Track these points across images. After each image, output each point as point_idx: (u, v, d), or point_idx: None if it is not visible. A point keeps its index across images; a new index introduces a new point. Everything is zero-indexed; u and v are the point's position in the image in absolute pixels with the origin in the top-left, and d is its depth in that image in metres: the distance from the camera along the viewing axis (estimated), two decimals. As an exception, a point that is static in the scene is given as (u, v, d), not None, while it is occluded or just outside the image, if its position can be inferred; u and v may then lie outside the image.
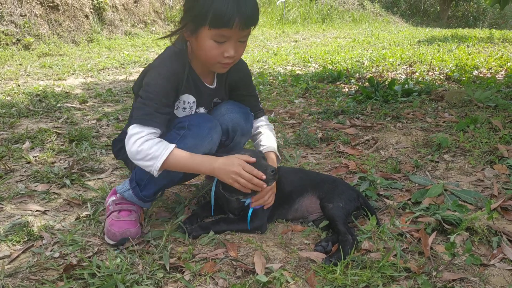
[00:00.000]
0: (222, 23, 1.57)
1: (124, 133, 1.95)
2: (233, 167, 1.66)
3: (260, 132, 2.06)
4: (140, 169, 1.76)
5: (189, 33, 1.69)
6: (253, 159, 1.71)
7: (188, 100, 1.86)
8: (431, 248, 1.69)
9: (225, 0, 1.54)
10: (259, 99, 2.12)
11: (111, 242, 1.73)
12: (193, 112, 1.90)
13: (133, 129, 1.67)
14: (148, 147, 1.63)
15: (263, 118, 2.11)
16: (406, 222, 1.90)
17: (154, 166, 1.65)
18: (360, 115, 3.77)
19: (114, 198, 1.90)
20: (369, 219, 1.79)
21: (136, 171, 1.84)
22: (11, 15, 7.72)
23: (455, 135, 3.10)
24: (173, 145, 1.67)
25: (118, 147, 2.03)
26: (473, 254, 1.60)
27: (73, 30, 8.89)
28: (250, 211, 1.84)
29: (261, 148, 1.99)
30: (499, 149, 2.68)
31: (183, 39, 1.77)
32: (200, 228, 1.84)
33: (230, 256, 1.67)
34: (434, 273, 1.51)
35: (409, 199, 2.15)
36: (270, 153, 1.96)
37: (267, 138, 2.03)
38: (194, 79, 1.84)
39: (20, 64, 6.68)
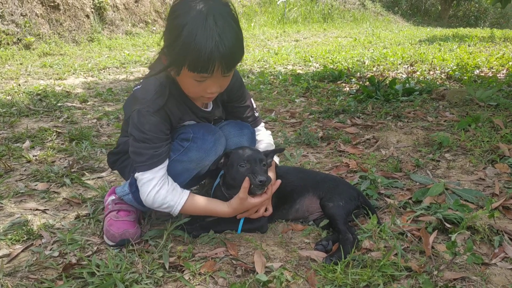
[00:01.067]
0: (201, 68, 1.49)
1: (119, 145, 1.96)
2: (245, 208, 1.77)
3: (256, 140, 2.07)
4: None
5: (170, 69, 1.61)
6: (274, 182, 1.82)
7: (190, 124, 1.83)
8: (432, 247, 1.68)
9: (203, 42, 1.43)
10: (254, 106, 2.08)
11: (111, 243, 1.73)
12: None
13: (141, 176, 1.66)
14: (163, 197, 1.67)
15: (259, 127, 2.10)
16: (407, 221, 1.89)
17: (172, 213, 1.73)
18: (361, 114, 3.76)
19: (113, 197, 1.89)
20: (369, 218, 1.78)
21: None
22: (12, 15, 7.72)
23: (456, 134, 3.09)
24: (187, 193, 1.72)
25: (112, 159, 2.01)
26: (474, 253, 1.59)
27: (74, 30, 8.89)
28: (240, 224, 1.86)
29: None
30: (500, 148, 2.67)
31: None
32: (200, 227, 1.83)
33: (230, 255, 1.67)
34: (435, 272, 1.50)
35: (410, 198, 2.14)
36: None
37: (265, 145, 2.04)
38: (190, 107, 1.78)
39: (20, 64, 6.68)
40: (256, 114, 2.08)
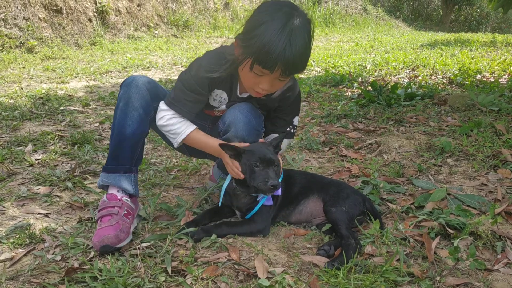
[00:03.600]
0: (265, 64, 1.63)
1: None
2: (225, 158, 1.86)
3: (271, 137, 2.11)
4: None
5: (238, 52, 1.75)
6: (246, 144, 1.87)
7: (220, 95, 1.97)
8: (435, 253, 1.68)
9: (274, 44, 1.58)
10: (295, 124, 2.12)
11: (97, 253, 1.71)
12: (223, 106, 2.02)
13: (162, 105, 1.91)
14: (172, 123, 1.89)
15: (285, 139, 2.10)
16: (409, 226, 1.88)
17: (175, 140, 1.92)
18: (362, 119, 3.77)
19: (99, 204, 1.92)
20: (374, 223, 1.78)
21: None
22: (15, 19, 7.74)
23: (458, 139, 3.09)
24: (193, 127, 1.91)
25: None
26: (477, 259, 1.59)
27: (76, 34, 8.91)
28: (257, 206, 1.86)
29: None
30: (502, 153, 2.66)
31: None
32: (202, 231, 1.83)
33: (232, 260, 1.66)
34: (438, 278, 1.50)
35: (412, 203, 2.14)
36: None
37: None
38: (233, 84, 1.94)
39: (23, 67, 6.70)
40: (287, 129, 2.11)
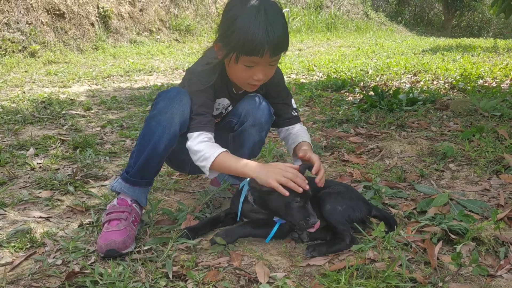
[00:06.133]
0: (252, 51, 1.66)
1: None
2: (279, 166, 1.71)
3: (290, 133, 2.09)
4: (130, 158, 1.88)
5: (221, 54, 1.77)
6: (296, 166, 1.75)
7: (223, 102, 2.00)
8: (437, 258, 1.67)
9: (255, 30, 1.62)
10: (294, 107, 2.12)
11: (102, 255, 1.71)
12: (230, 108, 2.05)
13: (190, 134, 1.85)
14: (201, 147, 1.79)
15: (297, 125, 2.10)
16: (412, 231, 1.88)
17: (205, 168, 1.79)
18: (364, 124, 3.76)
19: (107, 208, 1.90)
20: (386, 232, 1.76)
21: (128, 162, 1.91)
22: (18, 23, 7.78)
23: (460, 144, 3.08)
24: (221, 150, 1.78)
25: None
26: (479, 264, 1.58)
27: (79, 38, 8.94)
28: (275, 228, 1.80)
29: (292, 143, 2.04)
30: (505, 159, 2.66)
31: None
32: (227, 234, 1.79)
33: (234, 264, 1.66)
34: (440, 284, 1.49)
35: (415, 209, 2.13)
36: (302, 143, 1.99)
37: (298, 134, 2.05)
38: (228, 86, 1.96)
39: (25, 71, 6.72)
40: (293, 114, 2.11)
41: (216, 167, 1.78)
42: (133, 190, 1.89)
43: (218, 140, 1.89)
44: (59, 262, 1.67)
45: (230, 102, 2.01)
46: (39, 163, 2.79)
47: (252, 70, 1.75)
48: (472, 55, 9.87)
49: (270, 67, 1.79)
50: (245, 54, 1.68)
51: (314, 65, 8.09)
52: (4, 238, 1.84)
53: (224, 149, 1.79)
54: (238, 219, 1.90)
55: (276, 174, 1.66)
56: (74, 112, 4.26)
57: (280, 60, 1.84)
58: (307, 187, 1.66)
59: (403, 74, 6.90)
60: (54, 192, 2.35)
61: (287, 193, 1.63)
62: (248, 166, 1.73)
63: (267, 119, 2.00)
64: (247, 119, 1.97)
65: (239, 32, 1.64)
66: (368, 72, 7.11)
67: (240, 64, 1.73)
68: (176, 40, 11.51)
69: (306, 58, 9.57)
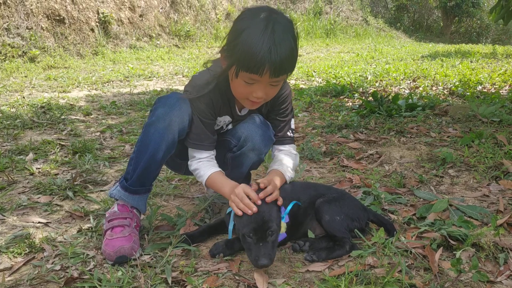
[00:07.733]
0: (252, 69, 1.60)
1: None
2: (238, 189, 1.72)
3: (276, 155, 2.03)
4: (128, 164, 1.86)
5: (225, 64, 1.74)
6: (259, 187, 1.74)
7: (224, 120, 1.96)
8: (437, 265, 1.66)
9: (258, 47, 1.56)
10: (292, 127, 2.06)
11: (110, 263, 1.70)
12: (230, 126, 2.02)
13: (190, 151, 1.93)
14: (198, 167, 1.88)
15: (288, 146, 2.04)
16: (411, 237, 1.87)
17: (202, 184, 1.90)
18: (364, 129, 3.77)
19: (107, 215, 1.89)
20: (386, 239, 1.76)
21: (127, 168, 1.89)
22: (18, 28, 7.79)
23: (459, 150, 3.09)
24: (214, 170, 1.85)
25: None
26: (479, 270, 1.57)
27: (79, 43, 8.96)
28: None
29: (271, 165, 1.98)
30: (504, 165, 2.66)
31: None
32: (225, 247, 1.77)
33: (233, 270, 1.65)
34: (440, 290, 1.49)
35: (414, 214, 2.13)
36: (274, 171, 1.91)
37: (281, 158, 1.98)
38: (231, 106, 1.93)
39: (25, 76, 6.73)
40: (289, 134, 2.04)
41: (209, 186, 1.88)
42: (133, 198, 1.88)
43: (216, 154, 1.95)
44: (58, 267, 1.66)
45: (231, 118, 1.97)
46: (38, 168, 2.78)
47: (252, 87, 1.69)
48: (471, 61, 9.90)
49: (272, 87, 1.72)
50: (245, 70, 1.62)
51: (314, 71, 8.11)
52: (3, 243, 1.83)
53: (217, 170, 1.87)
54: (230, 237, 1.81)
55: (231, 196, 1.73)
56: (73, 117, 4.26)
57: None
58: (249, 212, 1.62)
59: (402, 80, 6.92)
60: (53, 197, 2.35)
61: (240, 212, 1.65)
62: (227, 188, 1.79)
63: (267, 143, 1.96)
64: (246, 143, 1.93)
65: (242, 46, 1.59)
66: (367, 78, 7.13)
67: (240, 79, 1.67)
68: (176, 45, 11.54)
69: (306, 63, 9.60)
